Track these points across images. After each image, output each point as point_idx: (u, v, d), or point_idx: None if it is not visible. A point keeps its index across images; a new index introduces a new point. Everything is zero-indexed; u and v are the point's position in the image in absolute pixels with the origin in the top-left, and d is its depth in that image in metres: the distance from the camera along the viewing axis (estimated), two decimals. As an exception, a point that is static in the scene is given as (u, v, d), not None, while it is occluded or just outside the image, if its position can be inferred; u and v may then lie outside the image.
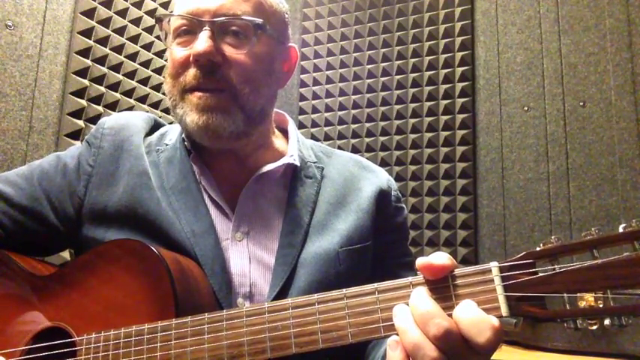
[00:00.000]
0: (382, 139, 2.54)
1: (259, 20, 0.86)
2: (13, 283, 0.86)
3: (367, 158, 1.09)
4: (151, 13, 2.06)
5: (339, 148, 2.60)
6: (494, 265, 0.57)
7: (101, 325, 0.75)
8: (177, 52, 0.87)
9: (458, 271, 0.58)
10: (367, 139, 2.58)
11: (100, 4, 1.83)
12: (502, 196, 2.26)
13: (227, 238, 0.89)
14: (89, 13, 1.80)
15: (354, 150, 2.58)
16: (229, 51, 0.85)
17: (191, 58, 0.84)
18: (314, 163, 0.99)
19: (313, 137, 2.68)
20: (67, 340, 0.77)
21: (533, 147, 2.23)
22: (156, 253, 0.76)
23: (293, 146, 0.99)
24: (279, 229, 0.90)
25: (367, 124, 2.59)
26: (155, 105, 2.10)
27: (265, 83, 0.90)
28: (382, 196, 0.98)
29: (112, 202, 0.89)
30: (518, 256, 0.57)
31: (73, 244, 0.97)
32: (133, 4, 1.98)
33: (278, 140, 1.03)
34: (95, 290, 0.79)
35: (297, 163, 0.95)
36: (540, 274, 0.55)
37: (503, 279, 0.56)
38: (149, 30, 2.05)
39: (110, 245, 0.81)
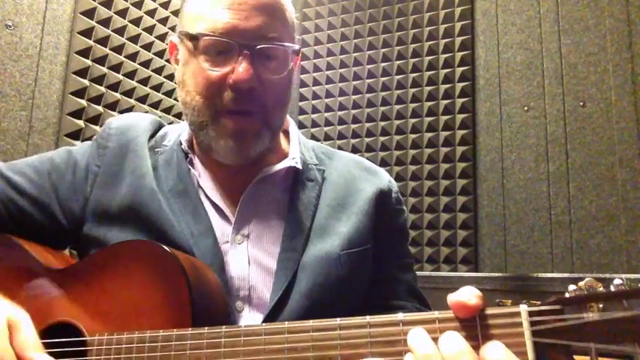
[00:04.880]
0: (382, 139, 2.54)
1: (297, 46, 0.89)
2: (26, 274, 0.85)
3: (367, 158, 1.09)
4: (151, 13, 2.06)
5: (339, 148, 2.60)
6: (523, 309, 0.56)
7: (114, 326, 0.74)
8: (209, 71, 0.85)
9: (487, 311, 0.57)
10: (367, 139, 2.58)
11: (100, 4, 1.83)
12: (502, 196, 2.27)
13: (227, 240, 0.88)
14: (89, 13, 1.80)
15: (354, 150, 2.58)
16: (266, 75, 0.86)
17: (231, 82, 0.84)
18: (315, 165, 0.99)
19: (313, 137, 2.68)
20: (78, 339, 0.76)
21: (533, 147, 2.23)
22: (174, 258, 0.75)
23: (295, 148, 0.98)
24: (281, 233, 0.90)
25: (367, 124, 2.59)
26: (155, 105, 2.10)
27: (290, 98, 0.94)
28: (382, 197, 0.98)
29: (115, 202, 0.90)
30: (548, 300, 0.55)
31: (76, 242, 0.97)
32: (133, 4, 1.98)
33: (280, 141, 1.03)
34: (110, 289, 0.78)
35: (299, 166, 0.95)
36: (569, 322, 0.53)
37: (532, 324, 0.55)
38: (149, 30, 2.05)
39: (127, 245, 0.81)
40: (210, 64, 0.85)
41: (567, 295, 0.55)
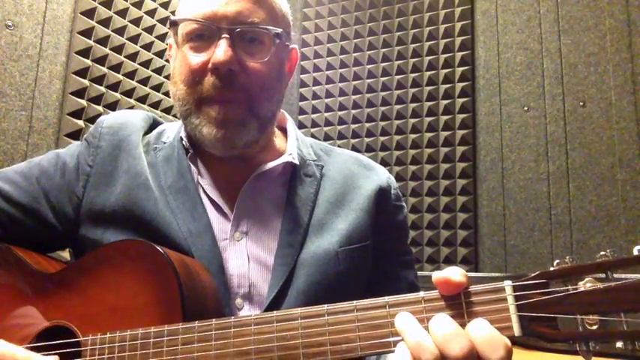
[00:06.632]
0: (382, 139, 2.54)
1: (278, 30, 0.87)
2: (18, 279, 0.86)
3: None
4: (151, 13, 2.06)
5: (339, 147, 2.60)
6: (507, 284, 0.56)
7: (107, 326, 0.74)
8: (191, 57, 0.85)
9: (472, 289, 0.58)
10: (367, 139, 2.58)
11: (100, 4, 1.83)
12: (502, 196, 2.27)
13: (225, 237, 0.88)
14: (89, 13, 1.80)
15: (354, 150, 2.58)
16: (248, 60, 0.85)
17: (210, 66, 0.84)
18: (313, 161, 0.99)
19: (313, 137, 2.67)
20: (72, 340, 0.77)
21: (533, 147, 2.23)
22: (164, 256, 0.75)
23: (292, 144, 0.98)
24: (279, 229, 0.90)
25: (367, 124, 2.59)
26: (155, 105, 2.10)
27: (278, 89, 0.92)
28: (382, 194, 0.98)
29: (109, 203, 0.89)
30: (532, 275, 0.56)
31: (72, 244, 0.96)
32: (133, 4, 1.98)
33: (277, 139, 1.02)
34: (101, 290, 0.78)
35: (297, 161, 0.95)
36: (554, 295, 0.54)
37: (517, 298, 0.55)
38: (149, 30, 2.05)
39: (117, 245, 0.81)
40: (193, 50, 0.86)
41: (552, 268, 0.56)
